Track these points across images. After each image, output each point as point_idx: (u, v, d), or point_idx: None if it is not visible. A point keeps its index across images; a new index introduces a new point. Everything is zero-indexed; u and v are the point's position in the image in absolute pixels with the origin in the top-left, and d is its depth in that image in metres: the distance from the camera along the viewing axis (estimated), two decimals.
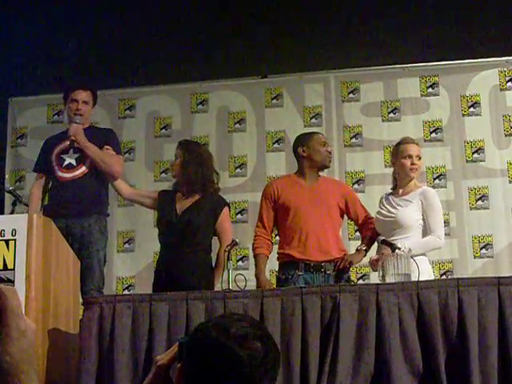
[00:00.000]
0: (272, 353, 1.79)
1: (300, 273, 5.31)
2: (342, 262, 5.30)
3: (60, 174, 5.71)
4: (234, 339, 1.74)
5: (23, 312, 0.99)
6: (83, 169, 5.68)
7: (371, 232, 5.46)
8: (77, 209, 5.55)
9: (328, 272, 5.30)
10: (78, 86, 5.93)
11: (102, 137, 5.86)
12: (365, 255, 5.47)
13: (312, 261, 5.32)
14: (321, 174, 5.68)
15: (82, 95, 5.85)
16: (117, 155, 5.82)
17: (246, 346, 1.74)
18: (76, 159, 5.71)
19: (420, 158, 5.39)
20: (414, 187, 5.36)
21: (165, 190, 5.79)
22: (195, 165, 5.49)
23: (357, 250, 5.50)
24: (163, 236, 5.55)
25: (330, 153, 5.64)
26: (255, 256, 5.58)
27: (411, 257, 4.72)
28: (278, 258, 5.50)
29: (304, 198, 5.44)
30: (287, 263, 5.40)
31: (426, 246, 5.17)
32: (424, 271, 5.06)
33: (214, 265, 5.44)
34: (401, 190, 5.38)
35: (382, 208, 5.40)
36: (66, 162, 5.71)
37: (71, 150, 5.73)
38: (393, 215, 5.26)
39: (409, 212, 5.23)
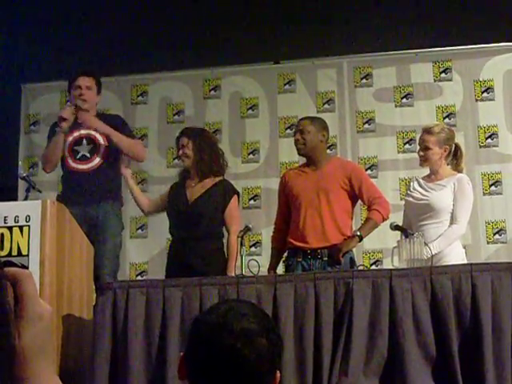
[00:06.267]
0: (277, 347, 1.80)
1: (298, 259, 5.32)
2: (334, 250, 5.27)
3: (74, 165, 5.65)
4: (239, 339, 1.74)
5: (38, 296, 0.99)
6: (98, 160, 5.63)
7: (375, 215, 5.34)
8: (93, 196, 5.53)
9: (325, 258, 5.27)
10: (80, 73, 5.81)
11: (111, 124, 5.76)
12: (359, 241, 5.38)
13: (309, 248, 5.31)
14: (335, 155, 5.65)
15: (85, 80, 5.73)
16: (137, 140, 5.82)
17: (253, 345, 1.74)
18: (89, 151, 5.65)
19: (427, 148, 5.29)
20: (449, 173, 5.29)
21: (175, 183, 5.76)
22: (209, 150, 5.51)
23: (352, 235, 5.36)
24: (175, 226, 5.56)
25: (297, 140, 5.57)
26: (271, 249, 5.70)
27: (425, 243, 4.72)
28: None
29: (305, 185, 5.41)
30: (290, 250, 5.43)
31: (450, 240, 5.09)
32: (457, 255, 5.06)
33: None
34: (433, 176, 5.33)
35: (413, 191, 5.32)
36: (79, 154, 5.66)
37: (84, 141, 5.68)
38: (426, 198, 5.20)
39: (442, 196, 5.16)
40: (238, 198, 5.63)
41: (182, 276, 4.86)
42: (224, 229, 5.53)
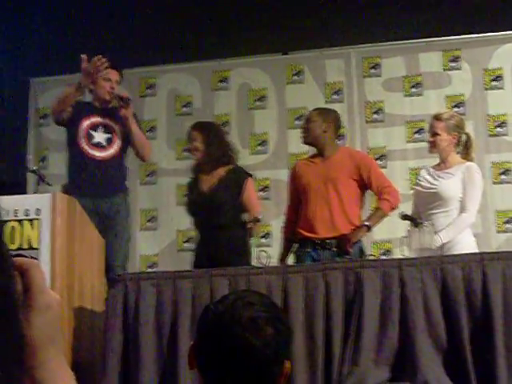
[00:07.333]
0: (284, 337, 1.81)
1: (308, 250, 5.31)
2: (342, 240, 5.26)
3: (89, 150, 5.54)
4: (246, 327, 1.75)
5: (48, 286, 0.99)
6: (113, 150, 5.57)
7: (384, 205, 5.31)
8: (105, 188, 5.50)
9: (334, 249, 5.26)
10: (111, 65, 5.58)
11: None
12: (368, 231, 5.37)
13: (319, 238, 5.30)
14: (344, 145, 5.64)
15: (116, 75, 5.68)
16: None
17: (260, 333, 1.76)
18: (106, 140, 5.58)
19: (435, 134, 5.26)
20: (458, 162, 5.25)
21: (189, 181, 5.78)
22: (218, 142, 5.53)
23: (360, 225, 5.33)
24: (196, 219, 5.60)
25: (304, 129, 5.58)
26: (282, 240, 5.71)
27: (435, 232, 4.71)
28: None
29: (313, 175, 5.40)
30: (300, 241, 5.42)
31: (460, 228, 5.06)
32: (468, 244, 5.04)
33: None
34: (442, 164, 5.31)
35: (421, 180, 5.31)
36: (94, 140, 5.55)
37: (101, 128, 5.59)
38: (435, 186, 5.17)
39: (450, 184, 5.13)
40: (252, 180, 5.65)
41: (210, 266, 4.86)
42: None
